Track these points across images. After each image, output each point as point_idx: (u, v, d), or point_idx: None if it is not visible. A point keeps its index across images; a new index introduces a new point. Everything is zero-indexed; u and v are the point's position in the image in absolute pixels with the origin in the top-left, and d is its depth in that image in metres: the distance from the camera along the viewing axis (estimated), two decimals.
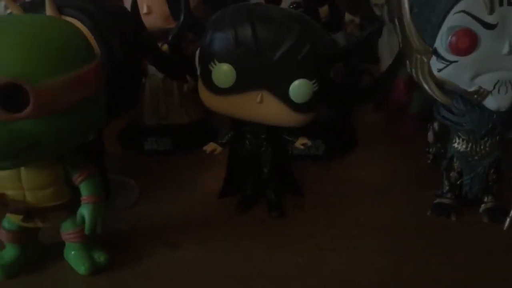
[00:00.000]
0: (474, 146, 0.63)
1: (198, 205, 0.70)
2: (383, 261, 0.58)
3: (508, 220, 0.63)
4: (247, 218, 0.66)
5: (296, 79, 0.58)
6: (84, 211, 0.54)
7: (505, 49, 0.56)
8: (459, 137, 0.64)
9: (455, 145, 0.65)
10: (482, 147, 0.63)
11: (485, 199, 0.66)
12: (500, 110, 0.58)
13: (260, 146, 0.66)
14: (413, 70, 0.61)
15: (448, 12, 0.56)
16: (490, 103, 0.58)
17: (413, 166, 0.74)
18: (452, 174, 0.66)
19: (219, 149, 0.65)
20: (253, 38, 0.57)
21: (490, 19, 0.55)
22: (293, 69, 0.58)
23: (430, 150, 0.67)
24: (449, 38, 0.56)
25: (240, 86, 0.59)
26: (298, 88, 0.58)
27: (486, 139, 0.63)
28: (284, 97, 0.58)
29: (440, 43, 0.58)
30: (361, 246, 0.61)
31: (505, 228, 0.63)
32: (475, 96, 0.58)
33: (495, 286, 0.55)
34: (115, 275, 0.57)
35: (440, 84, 0.60)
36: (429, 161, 0.67)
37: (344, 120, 0.84)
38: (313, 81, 0.58)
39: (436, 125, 0.65)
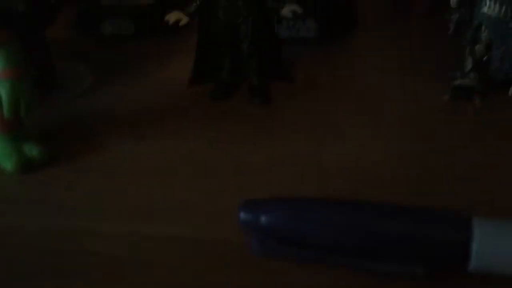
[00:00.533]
0: (509, 10, 0.50)
1: (166, 93, 0.59)
2: (394, 148, 0.48)
3: None
4: (225, 107, 0.56)
5: None
6: (0, 89, 0.42)
7: None
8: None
9: (485, 8, 0.51)
10: None
11: None
12: None
13: (237, 16, 0.54)
14: None
15: None
16: None
17: (429, 47, 0.62)
18: (478, 47, 0.53)
19: (184, 19, 0.54)
20: None
21: None
22: None
23: (452, 17, 0.52)
24: None
25: None
26: None
27: None
28: None
29: None
30: (366, 135, 0.51)
31: None
32: None
33: None
34: (59, 172, 0.47)
35: None
36: (450, 32, 0.53)
37: None
38: None
39: None
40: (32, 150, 0.47)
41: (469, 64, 0.55)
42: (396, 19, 0.70)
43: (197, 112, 0.55)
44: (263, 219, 0.36)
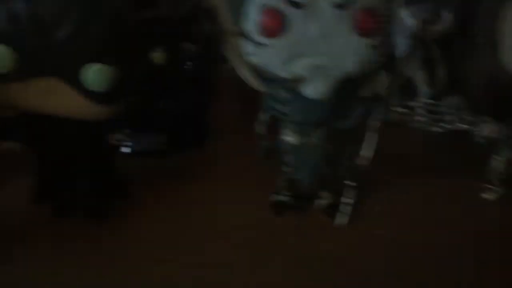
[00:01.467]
0: (304, 138, 0.58)
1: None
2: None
3: (339, 215, 0.58)
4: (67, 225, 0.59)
5: (89, 62, 0.51)
6: None
7: (316, 32, 0.50)
8: (288, 128, 0.59)
9: (285, 137, 0.59)
10: (312, 140, 0.58)
11: (322, 195, 0.61)
12: (318, 98, 0.52)
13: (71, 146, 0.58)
14: (228, 54, 0.55)
15: None
16: (308, 90, 0.53)
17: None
18: (286, 169, 0.60)
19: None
20: (28, 11, 0.49)
21: None
22: (85, 51, 0.51)
23: (262, 143, 0.61)
24: (257, 17, 0.51)
25: (22, 72, 0.51)
26: (93, 74, 0.51)
27: (315, 130, 0.57)
28: (76, 84, 0.51)
29: (249, 24, 0.52)
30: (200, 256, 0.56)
31: (338, 224, 0.57)
32: (291, 83, 0.53)
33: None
34: None
35: (256, 70, 0.54)
36: (261, 155, 0.61)
37: (196, 109, 0.76)
38: (113, 65, 0.51)
39: (264, 116, 0.60)
40: None
41: (282, 183, 0.62)
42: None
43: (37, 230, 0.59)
44: None
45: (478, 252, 0.56)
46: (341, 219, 0.58)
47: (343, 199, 0.59)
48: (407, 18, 0.67)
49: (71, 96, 0.52)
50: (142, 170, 0.68)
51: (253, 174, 0.66)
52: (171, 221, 0.61)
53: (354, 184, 0.59)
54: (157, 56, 0.58)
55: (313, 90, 0.52)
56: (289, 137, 0.59)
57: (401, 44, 0.69)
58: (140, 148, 0.68)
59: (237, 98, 0.77)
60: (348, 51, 0.51)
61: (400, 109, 0.60)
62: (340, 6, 0.50)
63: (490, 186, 0.63)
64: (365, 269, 0.54)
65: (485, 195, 0.62)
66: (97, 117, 0.54)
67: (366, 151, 0.59)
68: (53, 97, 0.53)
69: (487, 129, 0.58)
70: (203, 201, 0.64)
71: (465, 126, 0.60)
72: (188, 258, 0.56)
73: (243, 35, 0.52)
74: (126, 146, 0.65)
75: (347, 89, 0.54)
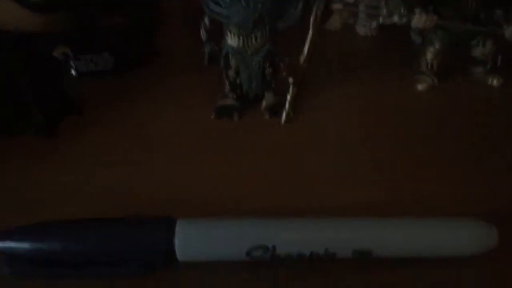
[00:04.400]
0: (245, 41, 0.59)
1: None
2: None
3: (284, 113, 0.60)
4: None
5: None
6: None
7: None
8: (230, 32, 0.60)
9: (228, 40, 0.60)
10: (253, 41, 0.59)
11: (266, 96, 0.63)
12: None
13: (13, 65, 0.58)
14: None
15: None
16: None
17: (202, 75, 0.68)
18: (230, 72, 0.62)
19: None
20: None
21: None
22: None
23: (205, 49, 0.62)
24: None
25: None
26: None
27: (256, 31, 0.59)
28: None
29: None
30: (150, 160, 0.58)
31: (282, 122, 0.60)
32: None
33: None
34: None
35: None
36: (205, 62, 0.62)
37: (142, 26, 0.75)
38: None
39: (206, 20, 0.60)
40: None
41: (227, 86, 0.64)
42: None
43: None
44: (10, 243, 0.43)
45: (411, 138, 0.60)
46: (284, 117, 0.60)
47: (286, 98, 0.61)
48: None
49: (8, 6, 0.51)
50: (92, 89, 0.68)
51: (201, 85, 0.68)
52: (122, 137, 0.62)
53: (295, 82, 0.61)
54: None
55: None
56: (232, 40, 0.60)
57: None
58: (87, 68, 0.69)
59: (182, 15, 0.77)
60: None
61: (339, 5, 0.62)
62: None
63: (422, 77, 0.66)
64: (310, 161, 0.58)
65: (419, 86, 0.66)
66: (35, 28, 0.53)
67: (306, 47, 0.61)
68: None
69: (418, 21, 0.61)
70: (152, 114, 0.65)
71: (399, 20, 0.63)
72: (135, 168, 0.57)
73: None
74: (72, 67, 0.66)
75: None
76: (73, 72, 0.68)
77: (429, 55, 0.66)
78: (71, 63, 0.67)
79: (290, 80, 0.60)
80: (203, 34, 0.61)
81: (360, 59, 0.73)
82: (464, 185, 0.54)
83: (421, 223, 0.45)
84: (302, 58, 0.60)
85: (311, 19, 0.60)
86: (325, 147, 0.59)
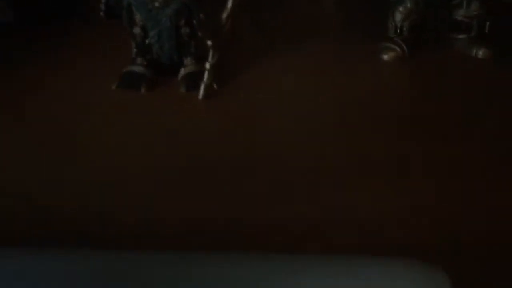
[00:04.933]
0: None
1: None
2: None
3: (202, 86, 0.46)
4: None
5: None
6: None
7: None
8: None
9: None
10: None
11: (185, 62, 0.48)
12: None
13: None
14: None
15: None
16: None
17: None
18: (136, 30, 0.47)
19: None
20: None
21: None
22: None
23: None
24: None
25: None
26: None
27: None
28: None
29: None
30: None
31: (200, 97, 0.46)
32: None
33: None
34: None
35: None
36: (101, 14, 0.47)
37: None
38: None
39: None
40: None
41: (134, 49, 0.49)
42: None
43: None
44: None
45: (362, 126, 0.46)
46: (201, 91, 0.46)
47: (208, 63, 0.46)
48: None
49: None
50: None
51: (106, 43, 0.53)
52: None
53: (216, 45, 0.46)
54: None
55: None
56: None
57: None
58: None
59: None
60: None
61: None
62: None
63: (389, 45, 0.52)
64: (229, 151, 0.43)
65: (384, 56, 0.52)
66: None
67: (231, 2, 0.46)
68: None
69: None
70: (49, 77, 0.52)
71: None
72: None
73: None
74: None
75: None
76: None
77: (398, 16, 0.52)
78: None
79: (209, 43, 0.45)
80: None
81: (316, 22, 0.58)
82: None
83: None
84: (225, 14, 0.45)
85: None
86: (249, 133, 0.44)
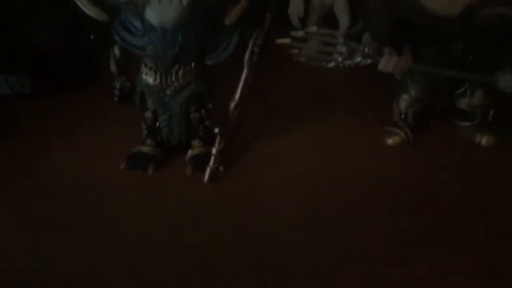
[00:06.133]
0: (164, 78, 0.47)
1: None
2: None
3: (208, 170, 0.47)
4: None
5: None
6: None
7: None
8: (146, 66, 0.47)
9: (143, 76, 0.48)
10: (173, 79, 0.47)
11: (193, 144, 0.50)
12: (166, 25, 0.41)
13: None
14: None
15: None
16: (152, 16, 0.41)
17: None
18: (147, 114, 0.49)
19: None
20: None
21: None
22: None
23: (115, 83, 0.49)
24: None
25: None
26: None
27: (177, 67, 0.46)
28: None
29: None
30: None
31: (205, 181, 0.47)
32: (134, 7, 0.41)
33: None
34: None
35: None
36: (115, 99, 0.49)
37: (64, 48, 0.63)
38: None
39: (116, 50, 0.48)
40: None
41: (144, 130, 0.51)
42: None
43: None
44: None
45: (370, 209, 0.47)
46: (207, 175, 0.48)
47: (214, 148, 0.48)
48: None
49: None
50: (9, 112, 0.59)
51: (116, 123, 0.56)
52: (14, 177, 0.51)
53: (223, 132, 0.48)
54: None
55: (158, 16, 0.41)
56: (147, 76, 0.48)
57: None
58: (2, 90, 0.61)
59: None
60: None
61: (287, 40, 0.49)
62: None
63: (393, 130, 0.53)
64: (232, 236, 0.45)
65: (388, 140, 0.53)
66: None
67: (239, 91, 0.48)
68: None
69: (387, 64, 0.48)
70: (57, 152, 0.55)
71: (363, 61, 0.49)
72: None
73: None
74: None
75: (205, 16, 0.42)
76: None
77: (403, 104, 0.53)
78: None
79: (216, 130, 0.47)
80: (112, 66, 0.48)
81: (322, 100, 0.59)
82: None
83: None
84: (233, 104, 0.47)
85: (246, 56, 0.46)
86: (255, 219, 0.45)
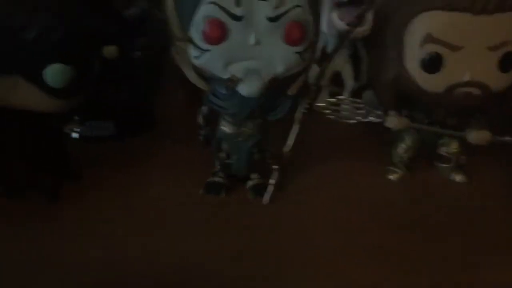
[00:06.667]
0: (238, 128, 0.67)
1: None
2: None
3: (268, 195, 0.68)
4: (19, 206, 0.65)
5: (51, 63, 0.57)
6: None
7: (251, 40, 0.59)
8: (225, 120, 0.67)
9: (222, 127, 0.68)
10: (245, 130, 0.67)
11: (252, 177, 0.70)
12: (251, 95, 0.61)
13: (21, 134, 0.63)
14: (176, 57, 0.63)
15: (200, 2, 0.58)
16: (242, 89, 0.61)
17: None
18: (221, 154, 0.69)
19: None
20: None
21: (237, 11, 0.58)
22: (48, 52, 0.57)
23: (202, 132, 0.69)
24: (202, 27, 0.59)
25: None
26: (53, 73, 0.57)
27: (248, 122, 0.67)
28: (38, 82, 0.57)
29: (195, 32, 0.60)
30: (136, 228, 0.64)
31: (263, 202, 0.67)
32: (229, 83, 0.61)
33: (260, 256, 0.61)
34: None
35: (199, 71, 0.62)
36: (201, 145, 0.69)
37: (141, 98, 0.82)
38: (71, 64, 0.58)
39: (205, 109, 0.68)
40: None
41: (217, 166, 0.71)
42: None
43: None
44: None
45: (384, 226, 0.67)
46: (266, 197, 0.68)
47: (270, 180, 0.68)
48: (336, 20, 0.77)
49: (33, 91, 0.59)
50: (93, 155, 0.74)
51: (193, 160, 0.74)
52: (117, 203, 0.68)
53: (279, 167, 0.68)
54: (110, 50, 0.65)
55: (247, 89, 0.62)
56: (225, 127, 0.68)
57: (332, 43, 0.79)
58: (89, 133, 0.72)
59: (182, 91, 0.85)
60: (277, 57, 0.60)
61: (323, 104, 0.70)
62: (272, 19, 0.59)
63: (393, 169, 0.75)
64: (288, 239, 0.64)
65: (390, 176, 0.74)
66: (56, 110, 0.61)
67: (290, 139, 0.69)
68: (17, 93, 0.58)
69: (391, 122, 0.70)
70: (146, 183, 0.71)
71: (375, 119, 0.71)
72: (133, 236, 0.63)
73: (190, 41, 0.60)
74: (75, 131, 0.69)
75: (276, 88, 0.63)
76: (74, 135, 0.70)
77: (400, 150, 0.75)
78: (75, 128, 0.70)
79: (275, 167, 0.68)
80: (200, 120, 0.68)
81: (340, 146, 0.80)
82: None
83: None
84: (287, 149, 0.68)
85: (296, 115, 0.68)
86: (302, 228, 0.65)
